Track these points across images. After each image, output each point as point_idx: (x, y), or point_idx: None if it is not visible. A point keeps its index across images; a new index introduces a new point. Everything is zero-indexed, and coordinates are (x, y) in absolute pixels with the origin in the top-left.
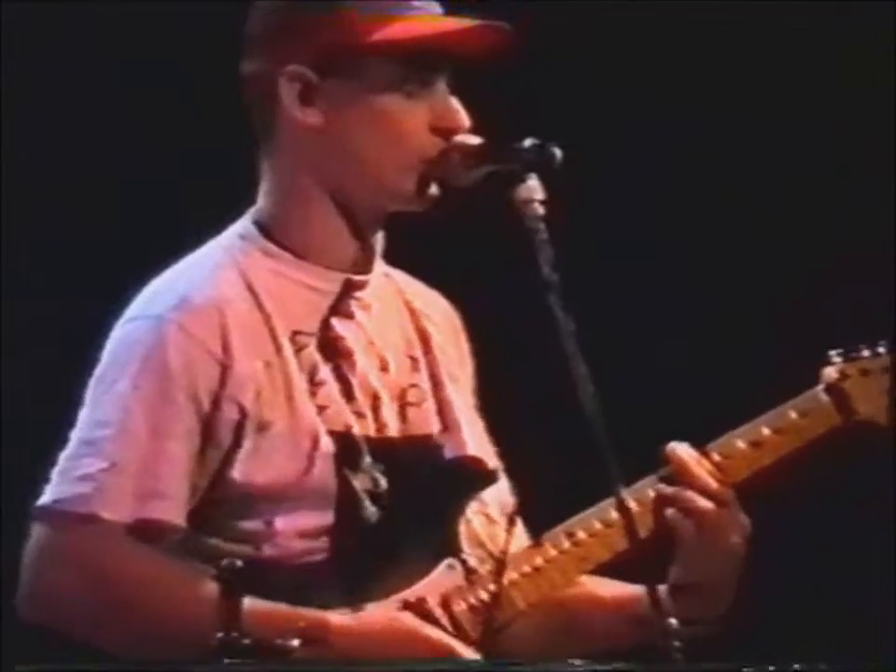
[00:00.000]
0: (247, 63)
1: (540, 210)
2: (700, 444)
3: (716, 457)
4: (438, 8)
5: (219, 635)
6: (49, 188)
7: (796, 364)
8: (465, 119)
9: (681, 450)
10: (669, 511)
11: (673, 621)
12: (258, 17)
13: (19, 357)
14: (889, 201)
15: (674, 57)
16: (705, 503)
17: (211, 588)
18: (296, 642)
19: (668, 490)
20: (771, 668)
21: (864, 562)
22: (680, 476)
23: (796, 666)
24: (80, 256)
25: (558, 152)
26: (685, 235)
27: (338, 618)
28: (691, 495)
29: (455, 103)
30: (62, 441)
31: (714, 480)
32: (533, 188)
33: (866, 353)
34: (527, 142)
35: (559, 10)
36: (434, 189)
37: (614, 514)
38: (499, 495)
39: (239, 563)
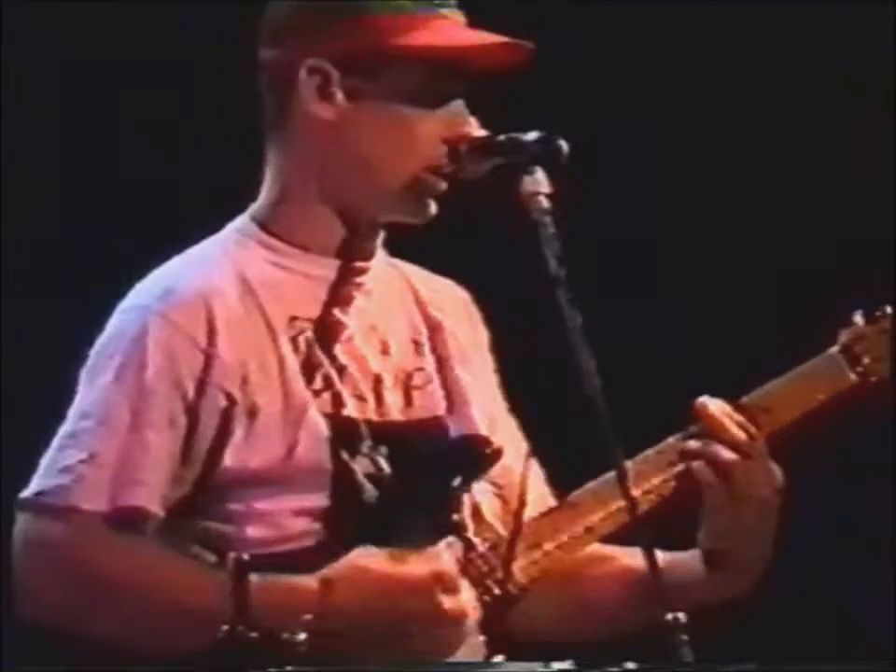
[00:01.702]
0: (268, 50)
1: (546, 203)
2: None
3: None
4: (462, 18)
5: (224, 627)
6: (48, 188)
7: (798, 349)
8: (478, 133)
9: (712, 404)
10: (694, 464)
11: (681, 615)
12: (284, 5)
13: (19, 356)
14: (887, 194)
15: (681, 51)
16: (729, 454)
17: (201, 575)
18: (302, 636)
19: (694, 444)
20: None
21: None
22: (709, 429)
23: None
24: (80, 256)
25: (564, 145)
26: (689, 226)
27: (315, 584)
28: (715, 446)
29: (470, 117)
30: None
31: (743, 432)
32: (539, 181)
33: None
34: (533, 135)
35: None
36: (433, 207)
37: (619, 497)
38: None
39: (246, 556)
